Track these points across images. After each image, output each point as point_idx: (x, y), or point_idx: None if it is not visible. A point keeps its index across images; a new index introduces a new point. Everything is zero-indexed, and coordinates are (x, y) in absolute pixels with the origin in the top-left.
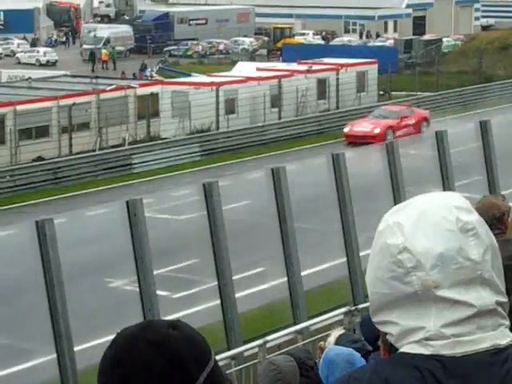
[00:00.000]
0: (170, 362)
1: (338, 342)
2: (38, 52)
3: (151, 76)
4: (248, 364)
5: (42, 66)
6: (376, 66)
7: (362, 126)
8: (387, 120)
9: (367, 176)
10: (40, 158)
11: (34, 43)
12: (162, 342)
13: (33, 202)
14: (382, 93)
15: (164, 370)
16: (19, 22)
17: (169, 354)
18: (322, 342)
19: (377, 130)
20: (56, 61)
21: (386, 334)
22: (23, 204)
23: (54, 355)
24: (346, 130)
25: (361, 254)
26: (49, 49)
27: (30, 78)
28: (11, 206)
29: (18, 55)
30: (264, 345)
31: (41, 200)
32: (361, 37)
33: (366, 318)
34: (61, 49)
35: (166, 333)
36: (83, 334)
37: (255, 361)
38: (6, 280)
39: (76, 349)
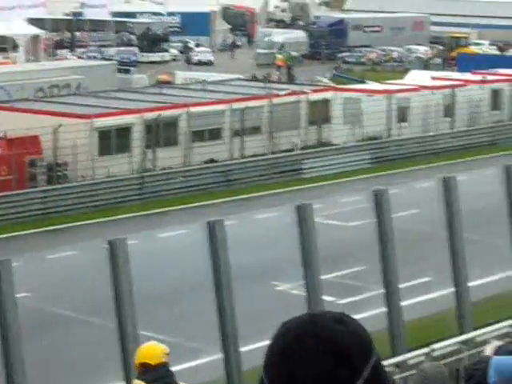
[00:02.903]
0: (337, 358)
1: (495, 354)
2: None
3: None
4: (412, 372)
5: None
6: None
7: None
8: None
9: None
10: (212, 161)
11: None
12: (329, 337)
13: (204, 203)
14: None
15: (331, 367)
16: (195, 24)
17: (337, 352)
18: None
19: None
20: (210, 61)
21: None
22: (195, 205)
23: (220, 355)
24: None
25: None
26: (204, 48)
27: (204, 80)
28: (183, 207)
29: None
30: (430, 353)
31: (212, 201)
32: None
33: None
34: (236, 52)
35: (333, 328)
36: (249, 335)
37: None
38: (176, 279)
39: (242, 349)
